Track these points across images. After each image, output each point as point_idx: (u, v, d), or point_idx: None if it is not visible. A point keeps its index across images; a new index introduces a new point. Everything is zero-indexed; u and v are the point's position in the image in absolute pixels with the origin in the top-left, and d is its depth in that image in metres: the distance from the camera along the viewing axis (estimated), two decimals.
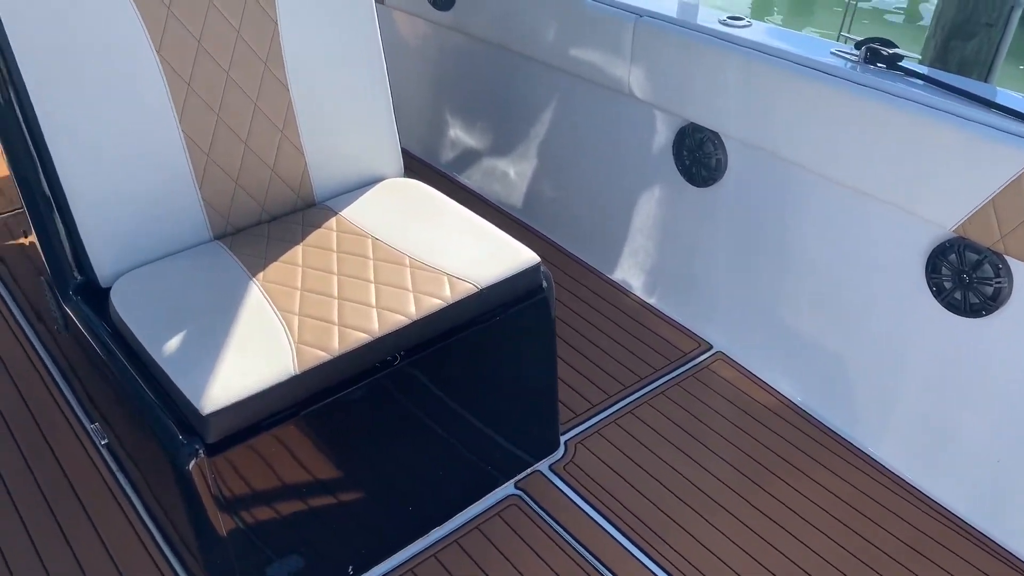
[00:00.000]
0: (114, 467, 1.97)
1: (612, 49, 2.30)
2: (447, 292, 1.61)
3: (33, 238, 1.83)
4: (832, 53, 1.94)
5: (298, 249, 1.74)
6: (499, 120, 2.85)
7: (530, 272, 1.71)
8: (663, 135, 2.33)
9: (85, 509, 1.87)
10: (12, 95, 1.60)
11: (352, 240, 1.76)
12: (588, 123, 2.54)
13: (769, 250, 2.18)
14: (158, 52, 1.64)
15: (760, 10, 9.78)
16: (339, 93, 1.89)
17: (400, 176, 2.04)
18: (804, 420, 2.13)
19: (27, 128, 1.63)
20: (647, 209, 2.47)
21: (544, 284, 1.77)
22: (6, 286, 2.51)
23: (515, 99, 2.75)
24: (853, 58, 1.90)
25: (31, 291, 2.26)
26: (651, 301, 2.51)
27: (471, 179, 3.05)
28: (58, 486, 1.92)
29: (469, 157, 3.03)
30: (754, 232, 2.21)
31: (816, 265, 2.09)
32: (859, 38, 1.94)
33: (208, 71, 1.71)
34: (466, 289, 1.63)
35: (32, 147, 1.64)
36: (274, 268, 1.68)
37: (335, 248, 1.74)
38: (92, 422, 2.04)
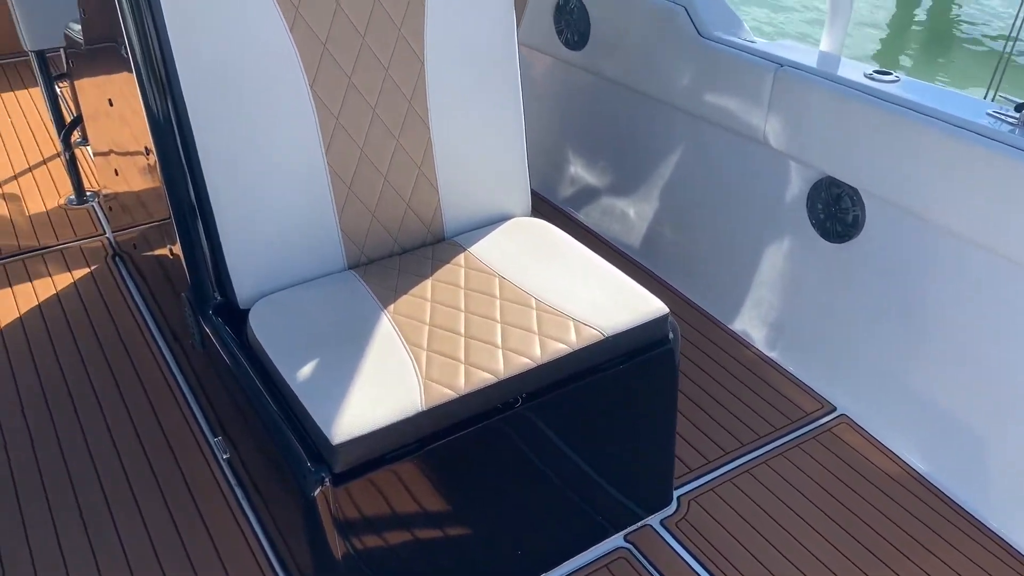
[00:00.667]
0: (233, 482, 2.03)
1: (749, 96, 2.27)
2: (573, 337, 1.60)
3: (176, 250, 1.92)
4: (988, 114, 1.85)
5: (427, 283, 1.76)
6: (624, 161, 2.84)
7: (658, 322, 1.69)
8: (797, 187, 2.27)
9: (203, 518, 1.94)
10: (172, 113, 1.69)
11: (480, 278, 1.77)
12: (717, 169, 2.50)
13: (903, 312, 2.09)
14: (311, 87, 1.70)
15: (888, 53, 9.48)
16: (476, 131, 1.92)
17: (528, 215, 2.06)
18: (931, 493, 2.02)
19: (183, 148, 1.71)
20: (774, 260, 2.40)
21: (671, 335, 1.74)
22: (143, 296, 2.64)
23: (642, 141, 2.74)
24: (1012, 120, 1.81)
25: (166, 303, 2.37)
26: (772, 355, 2.43)
27: (592, 218, 3.04)
28: (177, 493, 1.99)
29: (592, 196, 3.03)
30: (888, 292, 2.12)
31: (954, 331, 1.99)
32: (1018, 100, 1.85)
33: (356, 106, 1.76)
34: (592, 336, 1.61)
35: (187, 167, 1.73)
36: (404, 301, 1.70)
37: (463, 285, 1.75)
38: (215, 436, 2.11)
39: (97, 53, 2.08)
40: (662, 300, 1.71)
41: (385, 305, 1.69)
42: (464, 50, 1.85)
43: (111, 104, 2.10)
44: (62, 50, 2.97)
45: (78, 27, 2.33)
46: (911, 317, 2.07)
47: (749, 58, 2.24)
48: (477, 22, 1.85)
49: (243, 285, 1.74)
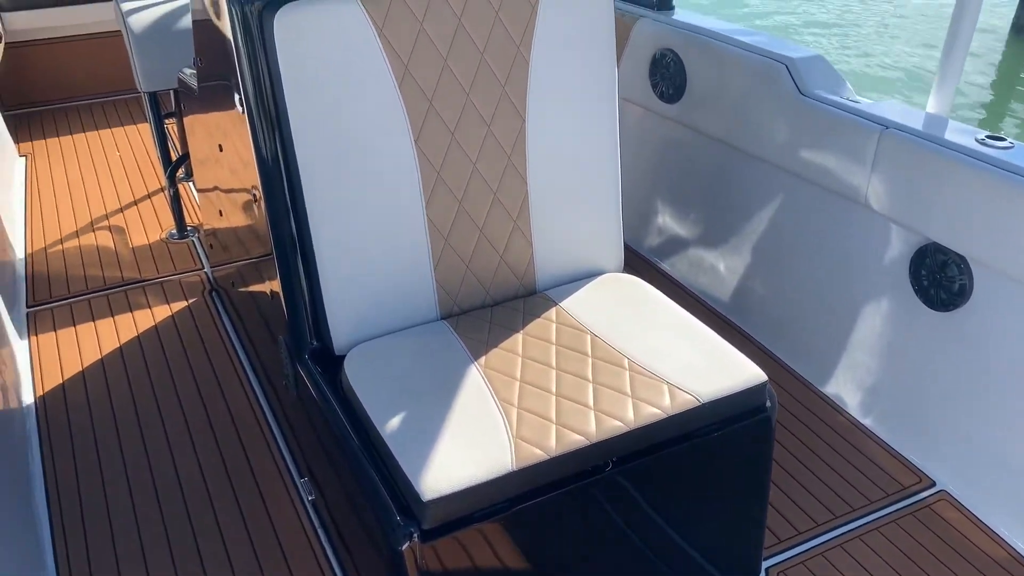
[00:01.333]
0: (316, 523, 2.05)
1: (851, 157, 2.22)
2: (667, 402, 1.58)
3: (273, 288, 1.97)
4: None
5: (519, 337, 1.76)
6: (717, 215, 2.80)
7: (755, 390, 1.65)
8: (899, 251, 2.20)
9: (286, 558, 1.96)
10: (282, 160, 1.74)
11: (571, 334, 1.76)
12: (814, 228, 2.45)
13: (1011, 385, 1.99)
14: (416, 142, 1.73)
15: (997, 118, 9.15)
16: (573, 186, 1.92)
17: (620, 269, 2.04)
18: None
19: (290, 193, 1.76)
20: (871, 323, 2.33)
21: (768, 403, 1.70)
22: (237, 332, 2.71)
23: (736, 195, 2.70)
24: None
25: (260, 341, 2.43)
26: (867, 422, 2.34)
27: (680, 270, 3.01)
28: (262, 530, 2.02)
29: (682, 248, 3.00)
30: (995, 364, 2.02)
31: None
32: None
33: (457, 161, 1.79)
34: (687, 401, 1.58)
35: (292, 213, 1.77)
36: (496, 355, 1.70)
37: (554, 341, 1.75)
38: (302, 476, 2.14)
39: (209, 98, 2.16)
40: (753, 360, 1.67)
41: (477, 358, 1.70)
42: (565, 106, 1.86)
43: (220, 149, 2.18)
44: (172, 91, 3.11)
45: (192, 71, 2.44)
46: (1019, 391, 1.97)
47: (852, 119, 2.19)
48: (579, 79, 1.86)
49: (340, 332, 1.77)
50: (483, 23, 1.74)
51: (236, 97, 1.86)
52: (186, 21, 2.93)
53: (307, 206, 1.71)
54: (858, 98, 2.33)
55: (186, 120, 2.67)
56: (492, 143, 1.81)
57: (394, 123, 1.71)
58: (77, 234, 3.33)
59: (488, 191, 1.83)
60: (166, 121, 3.36)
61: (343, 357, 1.75)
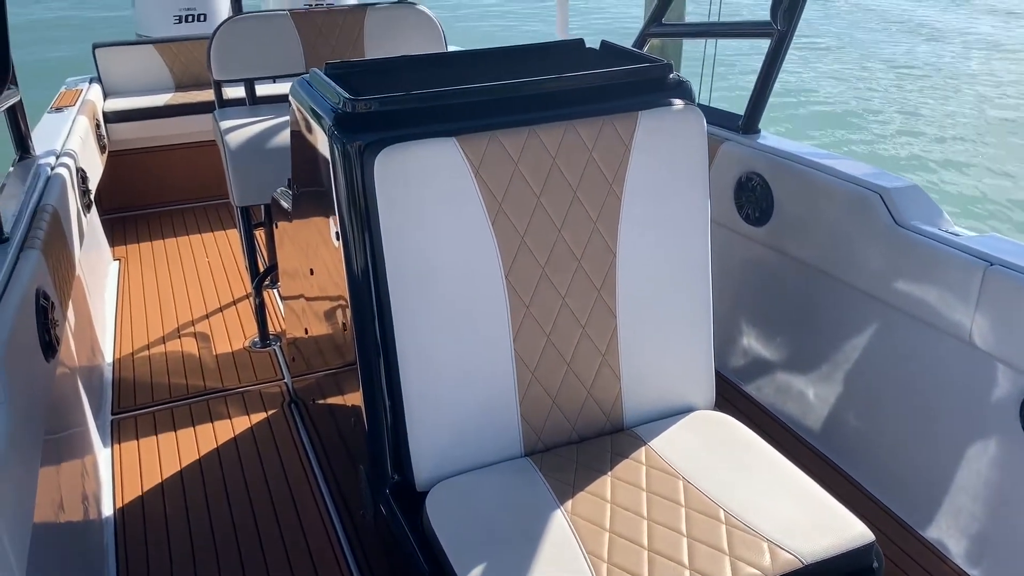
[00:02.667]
0: None
1: (953, 292, 2.13)
2: (767, 562, 1.48)
3: (352, 404, 1.95)
4: None
5: (606, 480, 1.69)
6: (807, 342, 2.72)
7: (862, 551, 1.54)
8: (1008, 392, 2.08)
9: None
10: (373, 289, 1.75)
11: (662, 479, 1.69)
12: (912, 362, 2.34)
13: None
14: (506, 277, 1.73)
15: None
16: (664, 321, 1.88)
17: (711, 405, 1.97)
18: None
19: (379, 321, 1.76)
20: (977, 468, 2.19)
21: (875, 564, 1.59)
22: (315, 450, 2.70)
23: (827, 323, 2.62)
24: None
25: (337, 462, 2.41)
26: (975, 573, 2.18)
27: (765, 394, 2.91)
28: None
29: (769, 375, 2.91)
30: None
31: None
32: None
33: (546, 296, 1.77)
34: (789, 562, 1.48)
35: (381, 341, 1.77)
36: (582, 499, 1.64)
37: (644, 486, 1.68)
38: None
39: (303, 222, 2.21)
40: (848, 501, 1.57)
41: (562, 501, 1.63)
42: (657, 240, 1.84)
43: (312, 272, 2.21)
44: (263, 206, 3.21)
45: (286, 191, 2.51)
46: None
47: (954, 253, 2.11)
48: (672, 213, 1.84)
49: (422, 468, 1.73)
50: (577, 162, 1.74)
51: (330, 225, 1.89)
52: (281, 141, 3.04)
53: (396, 336, 1.70)
54: (958, 230, 2.25)
55: (276, 234, 2.74)
56: (582, 278, 1.79)
57: (486, 258, 1.71)
58: (164, 340, 3.41)
59: (576, 325, 1.81)
60: (255, 230, 3.46)
61: (424, 493, 1.70)
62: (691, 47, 7.55)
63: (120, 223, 4.65)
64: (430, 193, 1.65)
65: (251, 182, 3.01)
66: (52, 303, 2.18)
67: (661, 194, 1.82)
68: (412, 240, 1.66)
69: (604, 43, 2.16)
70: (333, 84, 1.79)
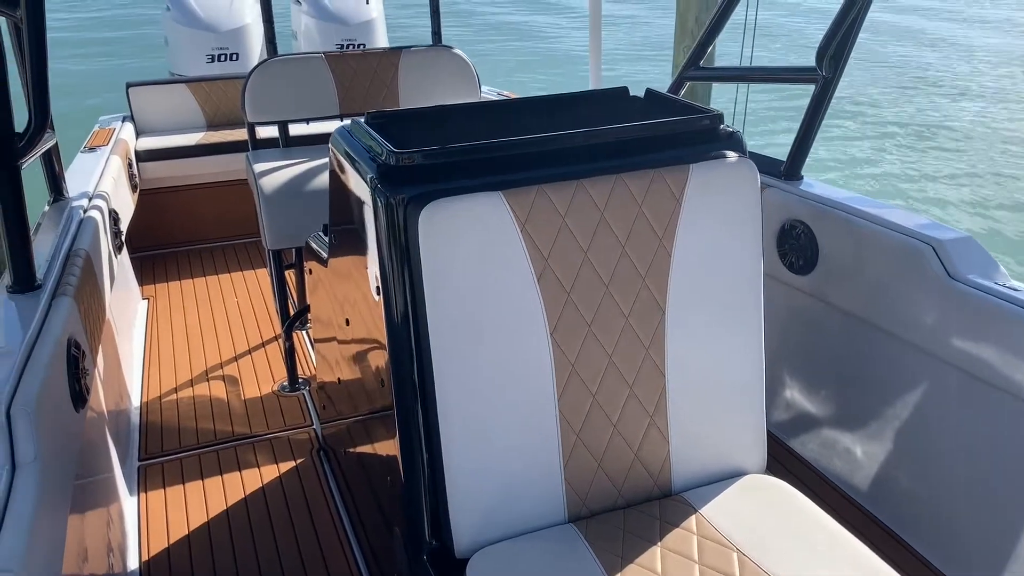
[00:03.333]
0: None
1: (1013, 350, 2.04)
2: None
3: (384, 453, 1.88)
4: None
5: (656, 551, 1.61)
6: (854, 396, 2.62)
7: None
8: None
9: None
10: (414, 342, 1.69)
11: (715, 551, 1.60)
12: (967, 421, 2.24)
13: None
14: (551, 334, 1.66)
15: None
16: (715, 379, 1.80)
17: (763, 469, 1.89)
18: None
19: (419, 376, 1.70)
20: None
21: None
22: (344, 503, 2.62)
23: (875, 377, 2.53)
24: None
25: (368, 518, 2.34)
26: None
27: (811, 450, 2.81)
28: None
29: (814, 429, 2.81)
30: None
31: None
32: None
33: (592, 354, 1.70)
34: None
35: (420, 397, 1.70)
36: (632, 571, 1.56)
37: (697, 559, 1.59)
38: None
39: (339, 271, 2.16)
40: (903, 566, 1.47)
41: (610, 573, 1.55)
42: (707, 296, 1.77)
43: (348, 323, 2.16)
44: (295, 249, 3.18)
45: (321, 237, 2.46)
46: None
47: (1014, 309, 2.03)
48: (724, 268, 1.77)
49: (462, 533, 1.66)
50: (625, 216, 1.68)
51: (370, 277, 1.84)
52: (314, 184, 3.01)
53: (437, 394, 1.64)
54: (1016, 284, 2.17)
55: (309, 280, 2.70)
56: (630, 336, 1.73)
57: (531, 315, 1.65)
58: (192, 382, 3.37)
59: (624, 385, 1.73)
60: (286, 271, 3.43)
61: (464, 560, 1.63)
62: (719, 90, 7.49)
63: (150, 261, 4.64)
64: (475, 248, 1.59)
65: (284, 225, 2.98)
66: (83, 352, 2.14)
67: (713, 249, 1.75)
68: (456, 295, 1.61)
69: (649, 91, 2.11)
70: (375, 135, 1.75)
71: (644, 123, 1.78)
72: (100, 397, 2.52)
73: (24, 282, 2.13)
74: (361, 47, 5.85)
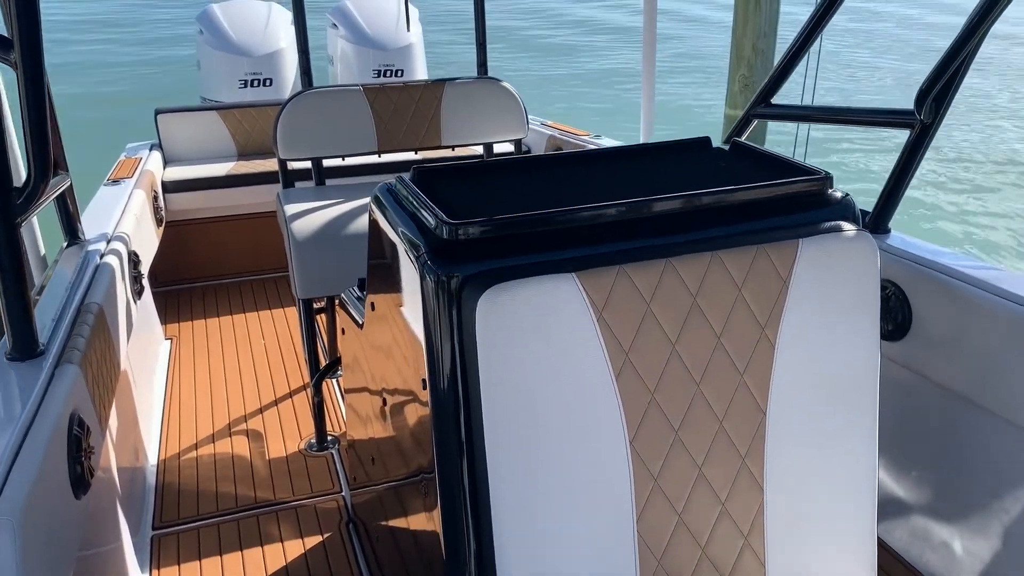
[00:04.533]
0: None
1: None
2: None
3: (433, 544, 1.62)
4: None
5: None
6: (951, 482, 2.31)
7: None
8: None
9: None
10: (464, 436, 1.42)
11: None
12: None
13: None
14: (631, 443, 1.39)
15: None
16: (821, 492, 1.52)
17: None
18: None
19: (469, 478, 1.43)
20: None
21: None
22: None
23: (978, 462, 2.21)
24: None
25: None
26: None
27: (894, 538, 2.49)
28: None
29: (902, 522, 2.49)
30: None
31: None
32: None
33: (679, 466, 1.42)
34: None
35: (471, 510, 1.43)
36: None
37: None
38: None
39: (378, 341, 1.91)
40: None
41: None
42: (816, 394, 1.49)
43: (384, 404, 1.90)
44: (327, 298, 2.93)
45: (358, 296, 2.21)
46: None
47: None
48: (834, 359, 1.49)
49: None
50: (722, 301, 1.41)
51: (411, 359, 1.58)
52: (350, 230, 2.77)
53: (492, 505, 1.37)
54: None
55: (341, 338, 2.44)
56: (723, 443, 1.44)
57: (607, 420, 1.37)
58: (213, 437, 3.12)
59: (715, 501, 1.45)
60: (317, 314, 3.18)
61: None
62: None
63: (174, 296, 4.43)
64: (543, 340, 1.33)
65: (316, 274, 2.73)
66: (87, 428, 1.90)
67: (823, 339, 1.47)
68: (517, 393, 1.34)
69: (735, 143, 1.84)
70: (426, 199, 1.49)
71: (745, 187, 1.50)
72: (112, 463, 2.28)
73: (24, 349, 1.89)
74: (400, 73, 5.63)
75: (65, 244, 2.71)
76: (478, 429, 1.37)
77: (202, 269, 4.61)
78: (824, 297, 1.46)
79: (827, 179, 1.57)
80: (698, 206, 1.48)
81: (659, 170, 1.72)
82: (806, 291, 1.45)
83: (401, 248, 1.52)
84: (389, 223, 1.59)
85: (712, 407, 1.43)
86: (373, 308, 1.86)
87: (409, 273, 1.48)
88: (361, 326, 2.05)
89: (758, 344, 1.43)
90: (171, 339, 3.95)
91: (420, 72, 5.77)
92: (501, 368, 1.33)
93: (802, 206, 1.55)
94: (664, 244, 1.43)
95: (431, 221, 1.42)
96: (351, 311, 2.18)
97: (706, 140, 1.88)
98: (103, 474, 2.16)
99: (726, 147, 1.86)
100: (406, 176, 1.65)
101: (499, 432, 1.35)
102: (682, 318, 1.39)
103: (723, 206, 1.50)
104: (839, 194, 1.58)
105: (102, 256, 2.70)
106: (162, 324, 4.07)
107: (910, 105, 2.24)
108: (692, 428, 1.42)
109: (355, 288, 2.28)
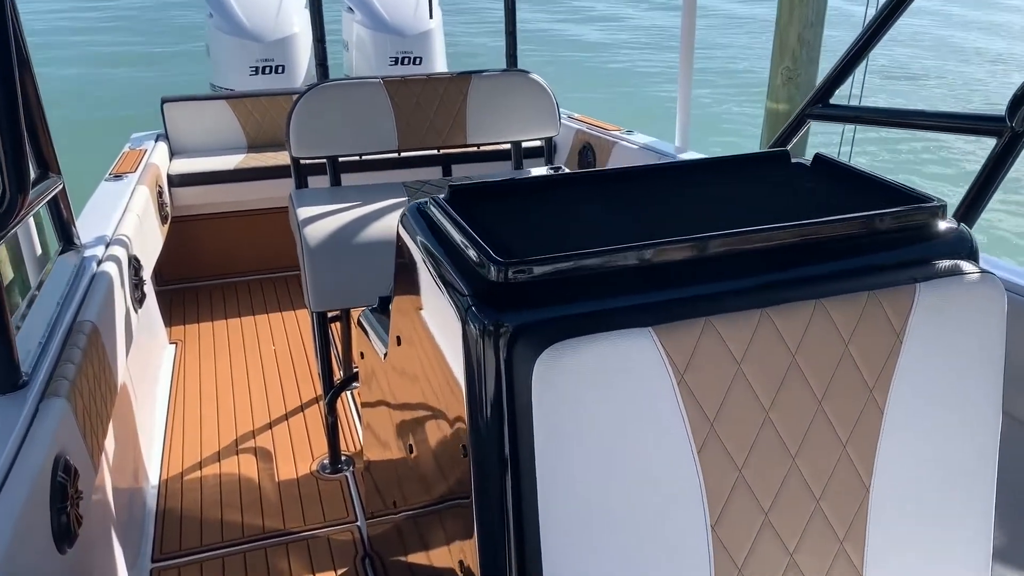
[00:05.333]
0: None
1: None
2: None
3: None
4: None
5: None
6: None
7: None
8: None
9: None
10: (511, 509, 1.19)
11: None
12: None
13: None
14: (713, 527, 1.16)
15: None
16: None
17: None
18: None
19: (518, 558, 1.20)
20: None
21: None
22: None
23: None
24: None
25: None
26: None
27: None
28: None
29: None
30: None
31: None
32: None
33: (768, 554, 1.19)
34: None
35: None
36: None
37: None
38: None
39: (405, 390, 1.67)
40: None
41: None
42: (928, 468, 1.25)
43: (411, 451, 1.67)
44: (341, 310, 2.70)
45: (379, 318, 1.98)
46: None
47: None
48: (950, 424, 1.25)
49: None
50: (826, 360, 1.17)
51: (449, 417, 1.35)
52: (367, 237, 2.53)
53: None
54: None
55: (360, 362, 2.22)
56: (819, 525, 1.21)
57: (685, 502, 1.14)
58: (219, 456, 2.91)
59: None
60: (332, 324, 2.96)
61: None
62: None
63: (180, 296, 4.21)
64: (611, 409, 1.10)
65: (331, 285, 2.51)
66: (75, 471, 1.68)
67: (940, 403, 1.23)
68: (580, 466, 1.11)
69: (819, 157, 1.59)
70: (467, 227, 1.25)
71: (856, 215, 1.26)
72: (107, 492, 2.07)
73: (2, 382, 1.67)
74: (418, 60, 5.37)
75: (59, 250, 2.49)
76: (531, 505, 1.14)
77: (210, 267, 4.39)
78: (943, 352, 1.22)
79: (941, 207, 1.33)
80: (796, 239, 1.24)
81: (734, 190, 1.48)
82: (923, 346, 1.21)
83: (437, 284, 1.28)
84: (421, 251, 1.35)
85: (808, 484, 1.20)
86: (399, 343, 1.63)
87: (447, 315, 1.25)
88: (384, 356, 1.82)
89: (864, 409, 1.20)
90: (176, 343, 3.73)
91: (439, 61, 5.51)
92: (561, 438, 1.10)
93: (911, 239, 1.31)
94: (756, 287, 1.19)
95: (476, 257, 1.19)
96: (372, 339, 1.94)
97: (784, 154, 1.63)
98: (96, 508, 1.95)
99: (806, 162, 1.62)
100: (440, 197, 1.41)
101: (553, 513, 1.12)
102: (779, 379, 1.15)
103: (823, 239, 1.26)
104: (955, 227, 1.34)
105: (99, 263, 2.48)
106: (167, 326, 3.86)
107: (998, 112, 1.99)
108: (784, 508, 1.19)
109: (376, 311, 2.05)
